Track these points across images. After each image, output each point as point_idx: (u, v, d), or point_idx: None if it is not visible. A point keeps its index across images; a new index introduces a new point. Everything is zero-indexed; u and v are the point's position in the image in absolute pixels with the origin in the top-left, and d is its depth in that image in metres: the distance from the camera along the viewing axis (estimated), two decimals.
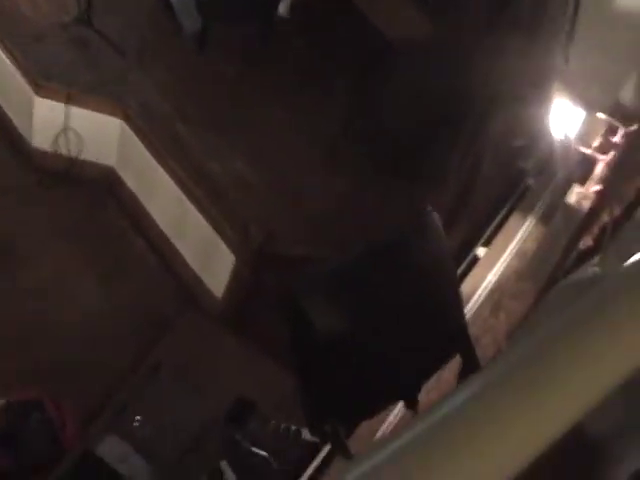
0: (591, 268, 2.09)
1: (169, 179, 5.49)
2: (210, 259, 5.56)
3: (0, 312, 5.25)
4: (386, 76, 5.51)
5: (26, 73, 5.65)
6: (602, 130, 3.63)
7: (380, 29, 5.82)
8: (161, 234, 5.77)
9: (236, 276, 5.40)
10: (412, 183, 5.55)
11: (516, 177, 4.26)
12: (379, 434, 3.26)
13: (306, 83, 6.12)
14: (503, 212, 4.19)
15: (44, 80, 5.63)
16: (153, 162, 5.55)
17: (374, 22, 5.78)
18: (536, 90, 4.11)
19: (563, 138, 3.66)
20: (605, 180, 3.55)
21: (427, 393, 2.94)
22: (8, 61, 5.72)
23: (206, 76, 5.96)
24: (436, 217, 2.88)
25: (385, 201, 5.62)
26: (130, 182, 5.87)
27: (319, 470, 3.86)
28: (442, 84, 4.96)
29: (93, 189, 5.95)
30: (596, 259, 2.18)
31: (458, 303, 2.82)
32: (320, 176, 5.72)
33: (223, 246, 5.35)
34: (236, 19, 5.97)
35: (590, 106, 3.92)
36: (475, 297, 3.87)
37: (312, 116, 5.92)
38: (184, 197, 5.46)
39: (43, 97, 5.65)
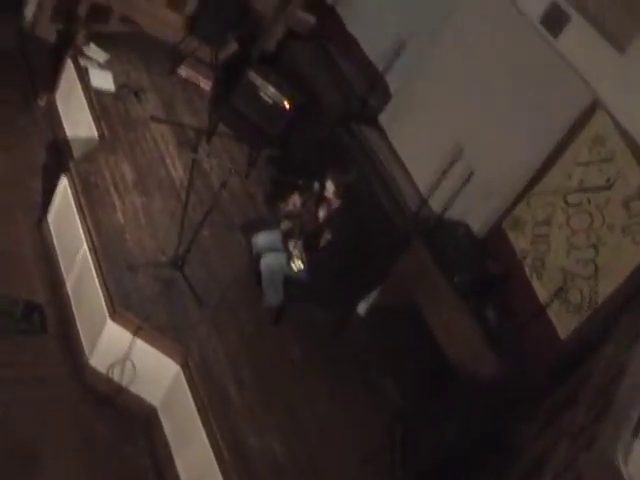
0: None
1: (205, 438, 5.51)
2: None
3: None
4: (449, 404, 5.60)
5: (108, 296, 5.92)
6: None
7: (447, 354, 6.00)
8: None
9: None
10: None
11: None
12: None
13: (361, 380, 6.28)
14: None
15: (122, 308, 5.89)
16: (195, 416, 5.60)
17: (444, 346, 5.98)
18: None
19: None
20: None
21: None
22: (97, 281, 6.02)
23: (271, 348, 6.15)
24: None
25: None
26: (167, 428, 5.90)
27: None
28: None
29: (130, 422, 5.99)
30: None
31: None
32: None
33: None
34: (318, 304, 6.23)
35: None
36: None
37: (361, 417, 6.01)
38: (214, 459, 5.45)
39: (115, 322, 5.88)
